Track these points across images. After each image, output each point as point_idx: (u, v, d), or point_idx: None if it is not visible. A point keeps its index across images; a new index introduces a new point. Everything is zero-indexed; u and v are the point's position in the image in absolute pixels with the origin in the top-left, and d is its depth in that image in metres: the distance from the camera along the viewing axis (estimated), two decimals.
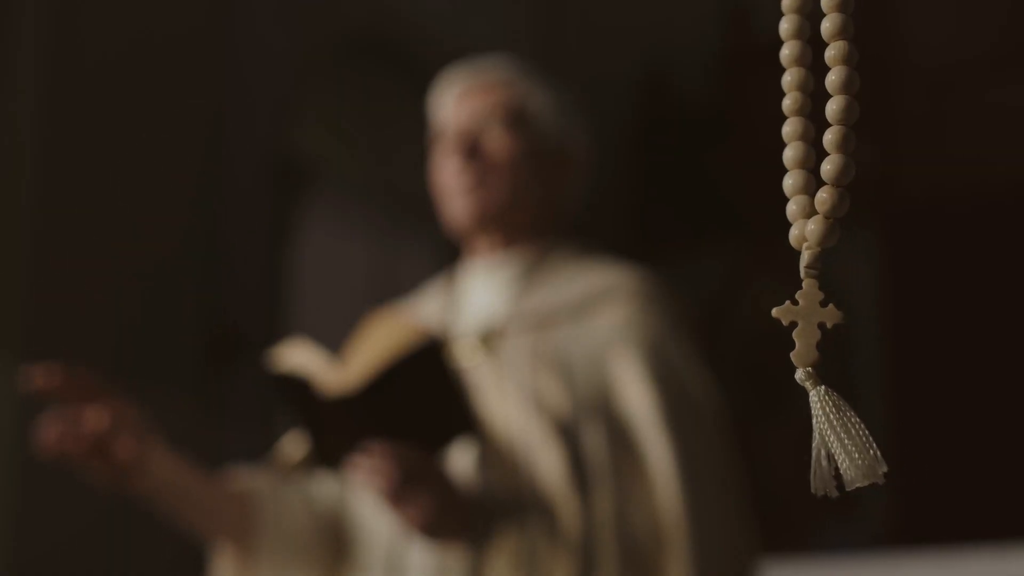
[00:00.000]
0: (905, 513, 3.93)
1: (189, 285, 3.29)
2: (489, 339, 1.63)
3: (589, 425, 1.54)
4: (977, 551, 3.16)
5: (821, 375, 0.53)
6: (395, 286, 3.24)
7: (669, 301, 1.65)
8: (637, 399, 1.54)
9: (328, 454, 1.52)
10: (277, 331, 3.37)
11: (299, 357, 1.53)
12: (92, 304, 3.11)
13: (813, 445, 0.53)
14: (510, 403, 1.57)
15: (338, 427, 1.49)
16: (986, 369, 4.04)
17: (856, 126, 0.53)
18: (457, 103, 1.69)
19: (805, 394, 0.54)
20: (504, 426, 1.56)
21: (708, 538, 1.49)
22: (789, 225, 0.54)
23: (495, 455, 1.55)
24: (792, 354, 0.53)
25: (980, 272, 4.14)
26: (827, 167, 0.52)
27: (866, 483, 0.52)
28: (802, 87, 0.53)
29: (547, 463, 1.52)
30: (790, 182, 0.53)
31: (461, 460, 1.55)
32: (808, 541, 4.03)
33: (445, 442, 1.51)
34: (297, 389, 1.51)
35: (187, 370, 3.26)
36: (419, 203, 1.73)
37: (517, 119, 1.67)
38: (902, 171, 4.29)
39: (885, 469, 0.52)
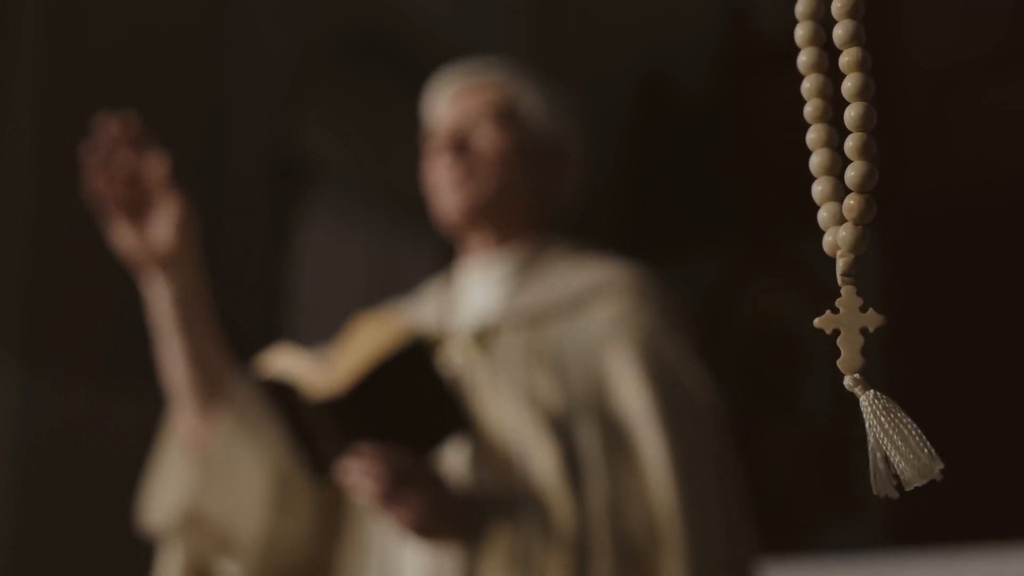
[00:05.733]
0: (906, 513, 3.93)
1: None
2: (483, 336, 1.63)
3: (583, 422, 1.54)
4: (977, 551, 3.17)
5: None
6: (395, 286, 3.24)
7: (664, 296, 1.65)
8: (631, 395, 1.54)
9: (318, 459, 1.51)
10: (277, 331, 3.37)
11: (284, 362, 1.53)
12: (91, 304, 3.11)
13: (869, 449, 0.54)
14: (504, 401, 1.56)
15: (327, 432, 1.48)
16: (988, 369, 4.04)
17: (874, 131, 0.53)
18: (449, 104, 1.70)
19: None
20: (498, 424, 1.55)
21: (703, 534, 1.49)
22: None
23: (488, 453, 1.54)
24: (839, 361, 0.54)
25: (983, 273, 4.14)
26: (851, 174, 0.52)
27: (924, 481, 0.53)
28: (822, 93, 0.53)
29: (541, 460, 1.51)
30: (819, 189, 0.53)
31: (454, 458, 1.55)
32: (809, 541, 4.03)
33: (436, 442, 1.50)
34: (283, 395, 1.50)
35: None
36: (419, 203, 1.74)
37: (507, 116, 1.68)
38: (905, 172, 4.29)
39: (941, 466, 0.53)
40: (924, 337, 4.20)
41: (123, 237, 1.57)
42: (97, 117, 1.56)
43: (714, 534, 1.51)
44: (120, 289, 3.18)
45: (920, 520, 3.84)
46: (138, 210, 1.56)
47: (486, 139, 1.66)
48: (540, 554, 1.47)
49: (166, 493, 1.60)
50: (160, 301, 1.58)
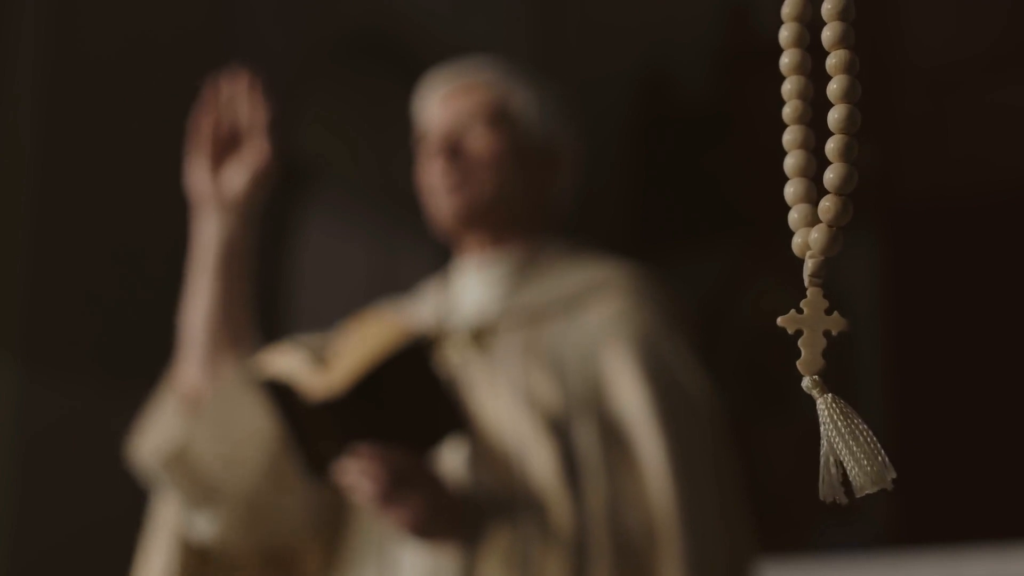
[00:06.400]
0: (905, 513, 3.93)
1: None
2: (481, 336, 1.63)
3: (581, 421, 1.54)
4: (977, 551, 3.16)
5: (828, 382, 0.53)
6: (395, 286, 3.24)
7: (661, 295, 1.65)
8: (629, 394, 1.54)
9: (316, 460, 1.50)
10: (277, 331, 3.36)
11: (282, 362, 1.52)
12: (91, 304, 3.11)
13: (821, 452, 0.53)
14: (502, 400, 1.57)
15: (325, 432, 1.48)
16: (986, 369, 4.04)
17: (858, 133, 0.53)
18: (440, 105, 1.69)
19: (804, 394, 0.55)
20: (496, 423, 1.55)
21: (701, 533, 1.49)
22: (788, 225, 0.55)
23: (487, 453, 1.54)
24: (798, 362, 0.53)
25: (980, 272, 4.14)
26: (830, 175, 0.52)
27: (875, 489, 0.53)
28: (802, 95, 0.53)
29: (539, 460, 1.52)
30: (791, 190, 0.53)
31: (452, 459, 1.55)
32: (808, 541, 4.03)
33: (434, 442, 1.50)
34: (281, 396, 1.50)
35: None
36: (419, 203, 1.74)
37: (499, 117, 1.67)
38: (902, 171, 4.29)
39: (894, 475, 0.52)
40: (922, 334, 4.20)
41: (198, 172, 1.63)
42: (232, 66, 1.68)
43: (712, 534, 1.51)
44: (120, 290, 3.19)
45: (920, 520, 3.84)
46: (225, 154, 1.63)
47: (479, 141, 1.66)
48: (538, 554, 1.47)
49: (158, 432, 1.60)
50: (208, 240, 1.62)
